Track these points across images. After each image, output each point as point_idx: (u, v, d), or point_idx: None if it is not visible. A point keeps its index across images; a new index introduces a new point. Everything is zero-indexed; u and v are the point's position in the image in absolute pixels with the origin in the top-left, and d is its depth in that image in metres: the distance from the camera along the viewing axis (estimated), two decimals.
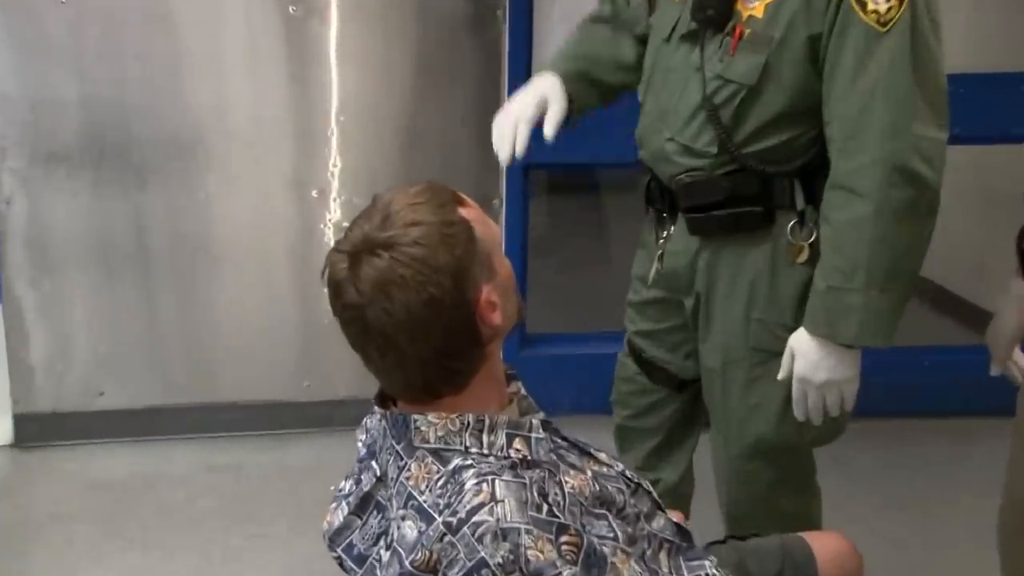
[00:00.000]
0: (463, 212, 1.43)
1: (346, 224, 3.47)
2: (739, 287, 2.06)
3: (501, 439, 1.45)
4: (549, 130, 2.16)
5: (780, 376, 1.99)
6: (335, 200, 3.48)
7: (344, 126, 3.43)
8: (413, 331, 1.37)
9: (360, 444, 1.59)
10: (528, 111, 2.17)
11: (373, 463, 1.53)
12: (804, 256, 1.97)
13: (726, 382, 2.14)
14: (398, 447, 1.46)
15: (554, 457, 1.51)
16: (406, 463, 1.44)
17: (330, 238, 3.50)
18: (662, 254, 2.19)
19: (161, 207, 3.41)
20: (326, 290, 1.44)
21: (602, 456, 1.65)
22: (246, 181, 3.44)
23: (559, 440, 1.58)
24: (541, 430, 1.50)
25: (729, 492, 2.25)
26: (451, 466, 1.41)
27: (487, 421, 1.45)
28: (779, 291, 2.02)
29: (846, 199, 1.85)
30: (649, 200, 2.20)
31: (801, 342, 1.94)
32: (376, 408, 1.54)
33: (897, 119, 1.80)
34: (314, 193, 3.47)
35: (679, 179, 2.04)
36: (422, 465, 1.42)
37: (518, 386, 1.61)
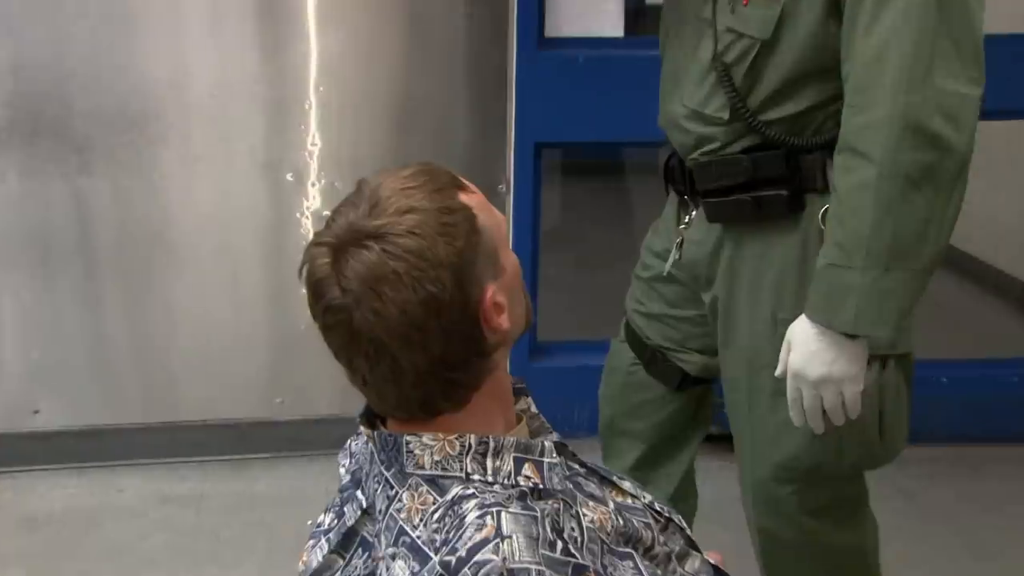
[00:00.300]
0: (464, 198, 1.42)
1: (327, 213, 3.48)
2: (765, 285, 2.07)
3: (508, 464, 1.45)
4: None
5: (777, 372, 1.98)
6: (313, 185, 3.49)
7: (324, 98, 3.44)
8: (408, 336, 1.36)
9: (343, 471, 1.59)
10: None
11: (358, 493, 1.52)
12: None
13: (752, 394, 2.14)
14: (387, 474, 1.46)
15: (570, 486, 1.51)
16: (397, 493, 1.43)
17: (308, 229, 3.52)
18: (681, 241, 2.21)
19: (107, 192, 3.42)
20: (304, 290, 1.44)
21: (626, 485, 1.65)
22: (208, 162, 3.45)
23: (576, 466, 1.58)
24: (555, 454, 1.50)
25: (759, 522, 2.25)
26: (450, 496, 1.40)
27: (492, 443, 1.45)
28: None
29: (852, 162, 1.84)
30: (669, 179, 2.22)
31: (798, 331, 1.93)
32: (362, 428, 1.53)
33: (914, 69, 1.77)
34: (289, 176, 3.48)
35: (694, 158, 2.07)
36: (416, 495, 1.42)
37: (528, 403, 1.61)
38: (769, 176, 1.99)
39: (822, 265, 1.88)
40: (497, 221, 1.47)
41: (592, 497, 1.54)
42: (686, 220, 2.20)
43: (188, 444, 3.64)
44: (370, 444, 1.50)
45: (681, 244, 2.21)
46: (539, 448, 1.48)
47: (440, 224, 1.38)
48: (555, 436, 1.58)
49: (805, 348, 1.91)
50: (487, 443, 1.44)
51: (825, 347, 1.89)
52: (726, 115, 2.00)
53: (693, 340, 2.31)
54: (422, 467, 1.44)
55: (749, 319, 2.11)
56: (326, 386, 3.55)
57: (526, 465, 1.46)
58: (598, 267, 5.27)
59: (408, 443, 1.44)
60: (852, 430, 2.01)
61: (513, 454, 1.46)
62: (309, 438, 3.62)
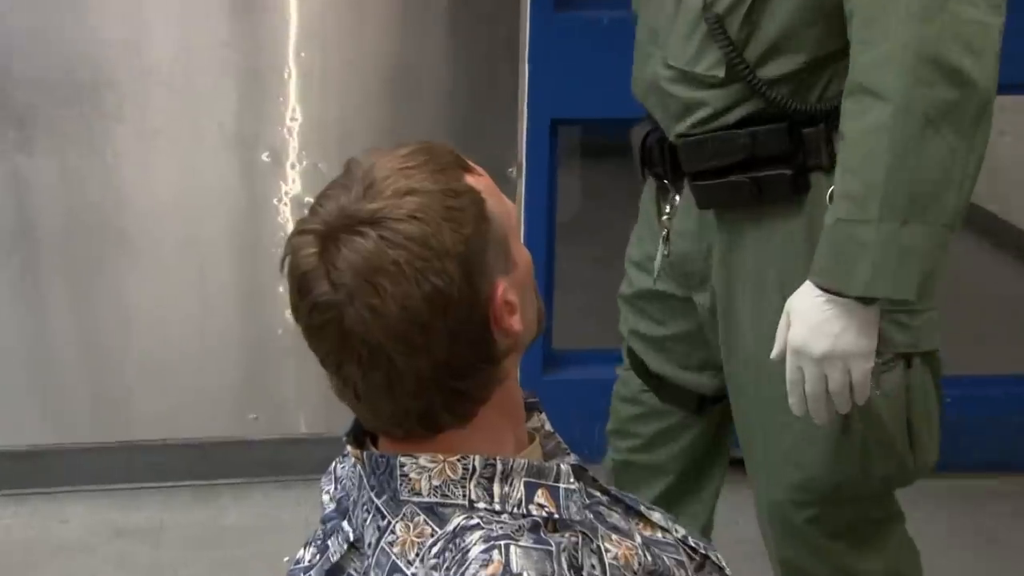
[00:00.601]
0: (470, 180, 1.43)
1: (310, 199, 3.48)
2: (768, 280, 2.08)
3: (518, 490, 1.45)
4: None
5: (773, 354, 1.98)
6: (293, 166, 3.51)
7: (305, 66, 3.45)
8: (409, 337, 1.36)
9: (326, 498, 1.60)
10: None
11: (344, 524, 1.53)
12: None
13: (761, 405, 2.16)
14: (378, 501, 1.46)
15: (590, 516, 1.52)
16: (389, 523, 1.44)
17: (287, 217, 3.53)
18: (667, 234, 2.22)
19: (51, 173, 3.44)
20: (286, 286, 1.44)
21: (656, 516, 1.66)
22: (170, 139, 3.46)
23: (597, 493, 1.59)
24: (572, 478, 1.51)
25: (779, 553, 2.27)
26: (451, 527, 1.41)
27: (499, 466, 1.45)
28: None
29: (863, 103, 1.85)
30: (646, 161, 2.23)
31: (799, 300, 1.93)
32: (349, 449, 1.54)
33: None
34: (265, 156, 3.49)
35: (682, 133, 2.08)
36: (411, 525, 1.42)
37: (541, 420, 1.62)
38: (770, 153, 2.01)
39: (830, 223, 1.89)
40: (507, 209, 1.48)
41: (616, 529, 1.54)
42: (667, 210, 2.21)
43: (145, 467, 3.65)
44: (358, 467, 1.50)
45: (668, 237, 2.22)
46: (554, 472, 1.49)
47: (445, 208, 1.38)
48: (572, 458, 1.58)
49: (808, 320, 1.90)
50: (494, 465, 1.45)
51: (832, 317, 1.88)
52: (721, 73, 2.01)
53: (694, 358, 2.32)
54: (418, 493, 1.44)
55: (753, 320, 2.12)
56: (307, 401, 3.57)
57: (539, 491, 1.46)
58: (623, 264, 5.28)
59: (403, 465, 1.45)
60: (879, 441, 2.03)
61: (524, 478, 1.46)
62: (287, 461, 3.63)
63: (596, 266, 5.14)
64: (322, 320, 1.39)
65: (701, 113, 2.05)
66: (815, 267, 1.91)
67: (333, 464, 1.63)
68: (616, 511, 1.59)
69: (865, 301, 1.87)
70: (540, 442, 1.60)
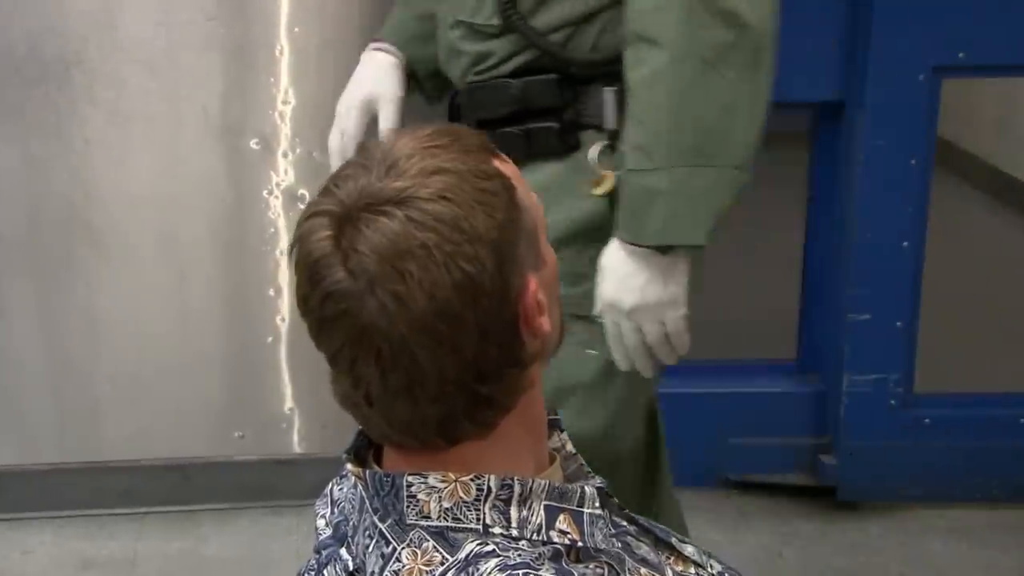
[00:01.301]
0: (499, 165, 1.45)
1: (304, 191, 3.52)
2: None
3: (538, 515, 1.46)
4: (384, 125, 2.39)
5: (594, 311, 2.14)
6: (285, 155, 3.53)
7: (299, 41, 3.47)
8: (436, 331, 1.36)
9: (322, 522, 1.60)
10: (351, 124, 2.42)
11: (342, 551, 1.54)
12: (607, 186, 2.15)
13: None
14: (383, 526, 1.46)
15: (618, 545, 1.52)
16: (395, 550, 1.44)
17: (279, 212, 3.55)
18: None
19: (13, 162, 3.46)
20: (274, 289, 1.45)
21: (689, 551, 1.67)
22: (148, 124, 3.48)
23: (623, 523, 1.61)
24: (598, 503, 1.51)
25: None
26: (463, 554, 1.41)
27: (517, 487, 1.45)
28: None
29: (642, 51, 2.04)
30: (453, 119, 2.38)
31: (607, 256, 2.11)
32: (349, 468, 1.53)
33: None
34: (253, 143, 3.51)
35: (465, 81, 2.26)
36: (419, 552, 1.42)
37: (562, 439, 1.63)
38: (542, 105, 2.20)
39: (623, 175, 2.08)
40: (535, 202, 1.49)
41: (645, 562, 1.55)
42: None
43: (117, 492, 3.66)
44: (360, 488, 1.51)
45: None
46: (577, 495, 1.49)
47: (477, 190, 1.39)
48: (598, 481, 1.58)
49: (615, 274, 2.09)
50: (511, 486, 1.45)
51: (635, 270, 2.08)
52: (497, 21, 2.19)
53: None
54: (427, 516, 1.44)
55: None
56: (300, 417, 3.56)
57: (561, 516, 1.47)
58: None
59: (410, 486, 1.45)
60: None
61: (544, 502, 1.47)
62: (276, 484, 3.64)
63: None
64: (337, 310, 1.37)
65: (484, 63, 2.23)
66: (617, 221, 2.10)
67: (330, 485, 1.63)
68: (645, 542, 1.60)
69: (662, 250, 2.06)
70: (560, 464, 1.60)
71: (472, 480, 1.44)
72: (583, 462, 1.63)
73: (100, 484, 3.66)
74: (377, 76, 2.46)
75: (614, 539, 1.53)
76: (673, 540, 1.65)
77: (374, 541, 1.47)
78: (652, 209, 2.03)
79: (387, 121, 2.39)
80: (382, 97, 2.42)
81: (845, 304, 3.68)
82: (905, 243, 3.62)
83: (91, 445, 3.65)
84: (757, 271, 5.00)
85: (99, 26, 3.40)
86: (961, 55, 3.49)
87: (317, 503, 1.63)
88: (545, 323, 1.44)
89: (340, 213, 1.37)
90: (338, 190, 1.39)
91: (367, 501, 1.49)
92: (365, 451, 1.55)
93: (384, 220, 1.35)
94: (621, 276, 2.08)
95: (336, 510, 1.60)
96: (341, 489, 1.61)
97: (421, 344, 1.36)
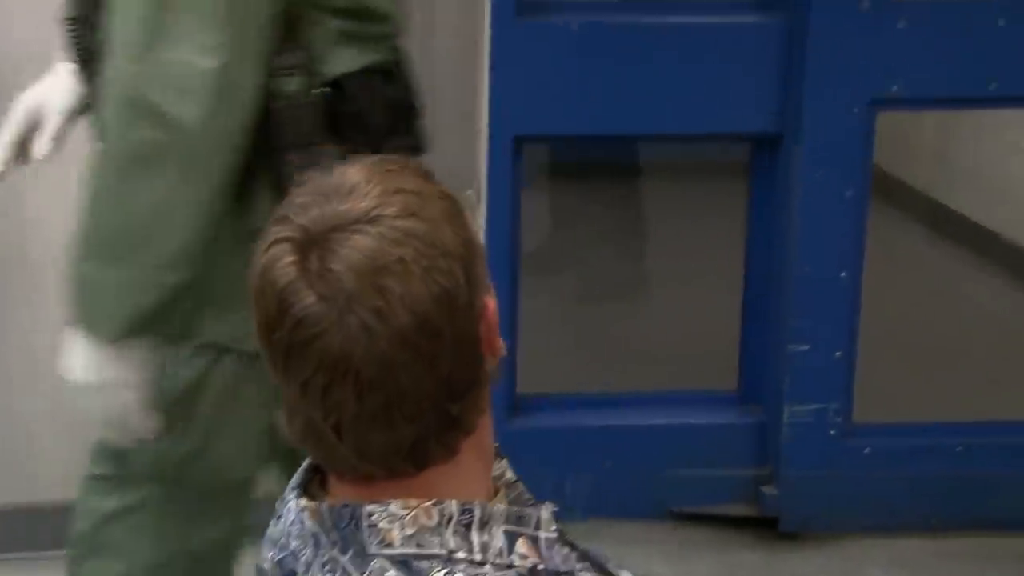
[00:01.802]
0: (445, 189, 1.46)
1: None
2: None
3: (499, 539, 1.47)
4: (39, 148, 2.46)
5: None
6: None
7: None
8: (418, 348, 1.36)
9: (267, 565, 1.58)
10: (12, 124, 2.49)
11: None
12: None
13: None
14: (343, 558, 1.46)
15: (577, 566, 1.54)
16: None
17: None
18: None
19: None
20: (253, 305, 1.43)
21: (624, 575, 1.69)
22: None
23: (566, 549, 1.60)
24: (554, 526, 1.53)
25: None
26: None
27: (477, 512, 1.46)
28: None
29: (95, 143, 2.15)
30: None
31: (68, 335, 2.19)
32: (300, 503, 1.53)
33: (133, 37, 2.03)
34: None
35: None
36: None
37: (503, 467, 1.63)
38: None
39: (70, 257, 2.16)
40: (477, 231, 1.52)
41: None
42: None
43: (51, 533, 3.62)
44: (310, 522, 1.50)
45: None
46: (535, 519, 1.51)
47: (439, 209, 1.40)
48: (550, 506, 1.57)
49: (68, 350, 2.18)
50: (471, 511, 1.45)
51: (78, 348, 2.17)
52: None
53: None
54: (390, 545, 1.43)
55: None
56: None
57: (519, 541, 1.48)
58: (597, 300, 5.31)
59: (371, 515, 1.44)
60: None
61: (503, 526, 1.48)
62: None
63: (566, 301, 5.20)
64: (308, 335, 1.35)
65: None
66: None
67: (271, 527, 1.59)
68: (586, 565, 1.59)
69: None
70: (504, 492, 1.60)
71: (434, 505, 1.44)
72: (524, 488, 1.64)
73: (34, 525, 3.63)
74: (55, 85, 2.49)
75: (572, 559, 1.55)
76: (609, 566, 1.65)
77: (336, 575, 1.47)
78: (75, 295, 2.14)
79: (48, 132, 2.44)
80: (51, 108, 2.46)
81: (785, 335, 3.70)
82: (843, 274, 3.65)
83: (24, 485, 3.64)
84: (697, 302, 4.92)
85: (37, 42, 3.37)
86: (896, 88, 3.53)
87: (263, 545, 1.60)
88: (500, 344, 1.47)
89: (303, 239, 1.37)
90: (297, 218, 1.38)
91: (321, 535, 1.48)
92: (310, 485, 1.54)
93: (357, 237, 1.35)
94: (68, 352, 2.18)
95: (279, 550, 1.56)
96: (279, 527, 1.57)
97: (402, 361, 1.36)
